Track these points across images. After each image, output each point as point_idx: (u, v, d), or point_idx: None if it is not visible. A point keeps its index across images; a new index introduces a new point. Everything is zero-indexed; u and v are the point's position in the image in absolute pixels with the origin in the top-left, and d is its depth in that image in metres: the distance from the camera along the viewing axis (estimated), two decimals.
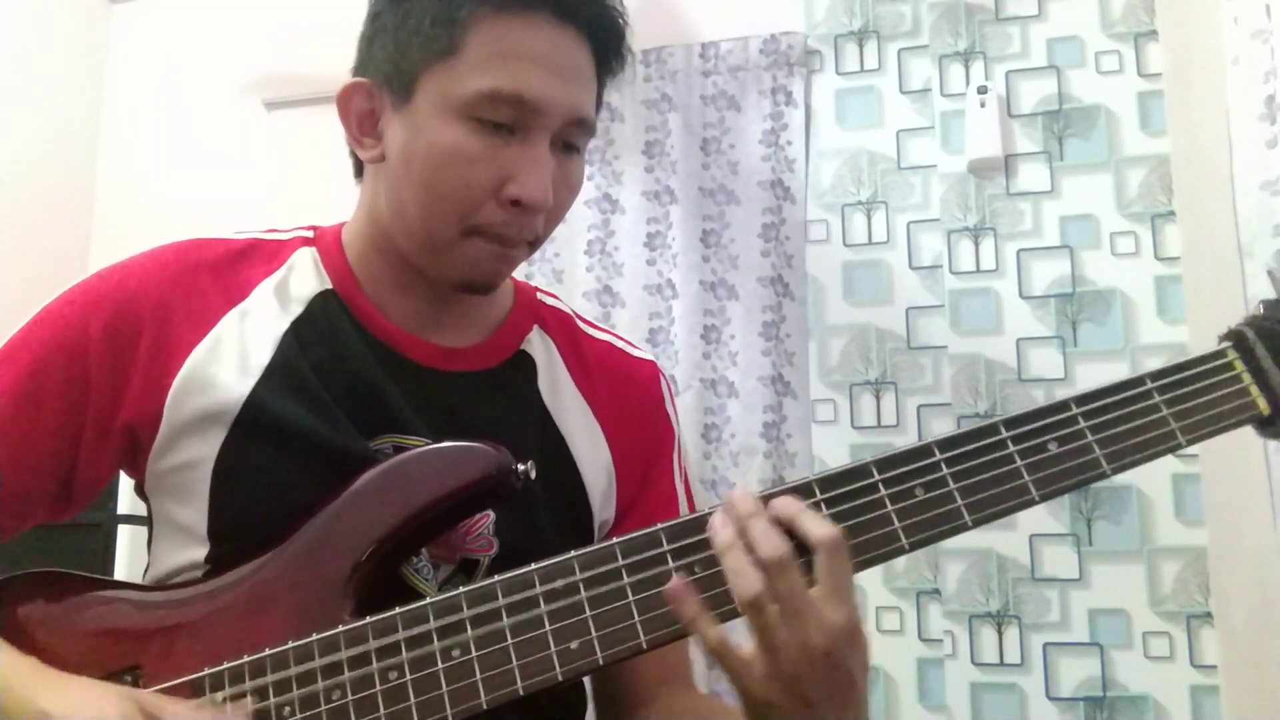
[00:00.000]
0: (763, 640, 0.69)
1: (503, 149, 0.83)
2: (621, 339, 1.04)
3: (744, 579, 0.69)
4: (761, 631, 0.69)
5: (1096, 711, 2.21)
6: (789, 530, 0.71)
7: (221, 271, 0.91)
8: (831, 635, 0.68)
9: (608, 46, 0.89)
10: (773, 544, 0.69)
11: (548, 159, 0.84)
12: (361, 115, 0.89)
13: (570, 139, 0.87)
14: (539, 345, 0.97)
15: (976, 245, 2.45)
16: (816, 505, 0.73)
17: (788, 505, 0.72)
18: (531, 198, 0.83)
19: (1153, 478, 2.26)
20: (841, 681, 0.70)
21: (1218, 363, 0.76)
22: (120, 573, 2.35)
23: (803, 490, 0.74)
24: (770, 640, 0.69)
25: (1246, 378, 0.76)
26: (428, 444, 0.85)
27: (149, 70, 3.08)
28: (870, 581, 2.36)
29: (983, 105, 2.45)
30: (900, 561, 2.36)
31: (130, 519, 2.34)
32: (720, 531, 0.72)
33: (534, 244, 0.89)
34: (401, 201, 0.87)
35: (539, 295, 1.02)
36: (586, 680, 0.96)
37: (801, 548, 0.70)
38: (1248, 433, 0.78)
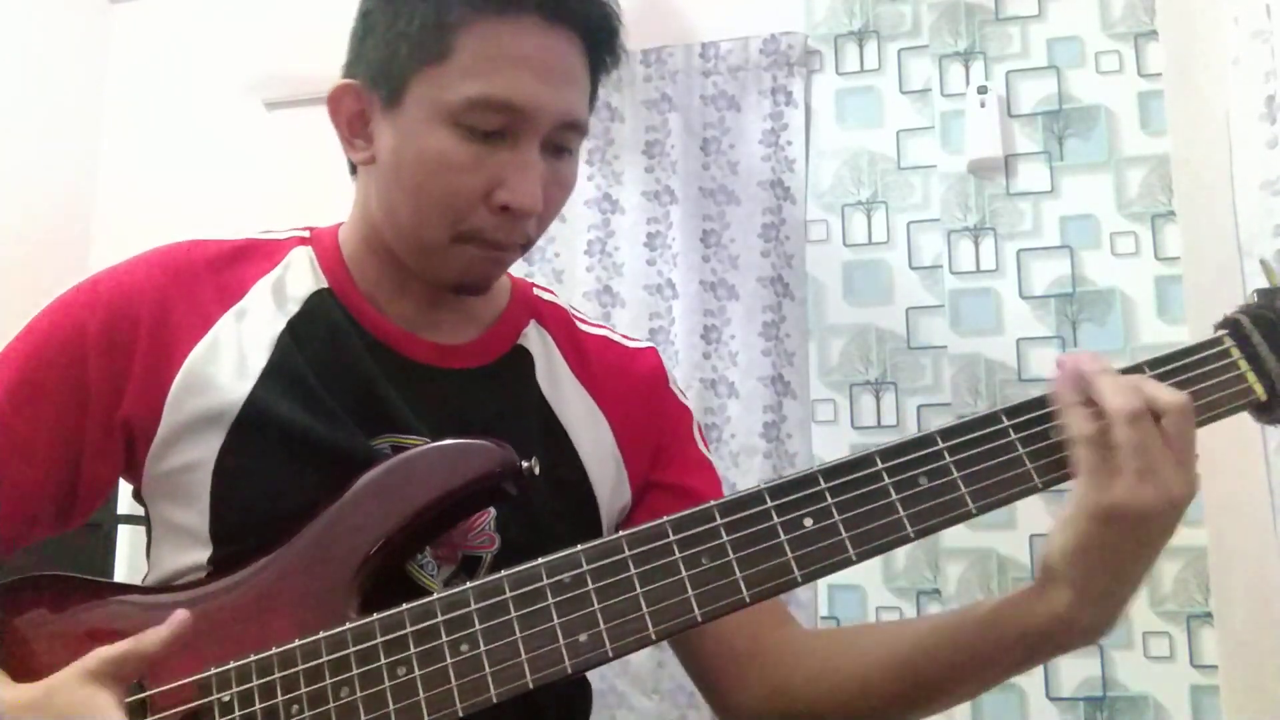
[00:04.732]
0: (1131, 462, 0.71)
1: (492, 155, 0.83)
2: (618, 333, 1.04)
3: (1123, 396, 0.72)
4: (1134, 451, 0.71)
5: (1096, 711, 2.22)
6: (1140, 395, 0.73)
7: (218, 272, 0.90)
8: (1189, 489, 0.71)
9: (600, 45, 0.88)
10: (1130, 396, 0.72)
11: (538, 164, 0.84)
12: (352, 116, 0.89)
13: (562, 141, 0.86)
14: (536, 339, 0.97)
15: (976, 245, 2.45)
16: (821, 494, 0.74)
17: (1129, 377, 0.75)
18: (521, 204, 0.83)
19: None
20: (1164, 539, 0.73)
21: (1214, 350, 0.77)
22: (120, 573, 2.36)
23: (807, 481, 0.74)
24: (1141, 462, 0.70)
25: (1243, 364, 0.77)
26: (426, 443, 0.85)
27: (149, 70, 3.08)
28: (870, 581, 2.37)
29: (983, 105, 2.46)
30: (900, 561, 2.36)
31: (130, 519, 2.35)
32: (1087, 363, 0.75)
33: (526, 245, 0.89)
34: (392, 205, 0.87)
35: (535, 291, 1.02)
36: (611, 666, 0.96)
37: None
38: (1248, 433, 0.78)
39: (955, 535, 2.32)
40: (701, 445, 1.01)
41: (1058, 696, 2.23)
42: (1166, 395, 0.72)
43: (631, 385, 0.99)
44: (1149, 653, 2.22)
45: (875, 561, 2.33)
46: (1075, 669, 2.24)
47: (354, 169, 0.94)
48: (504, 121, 0.82)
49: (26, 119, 2.87)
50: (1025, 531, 2.29)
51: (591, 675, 0.91)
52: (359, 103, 0.88)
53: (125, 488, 0.92)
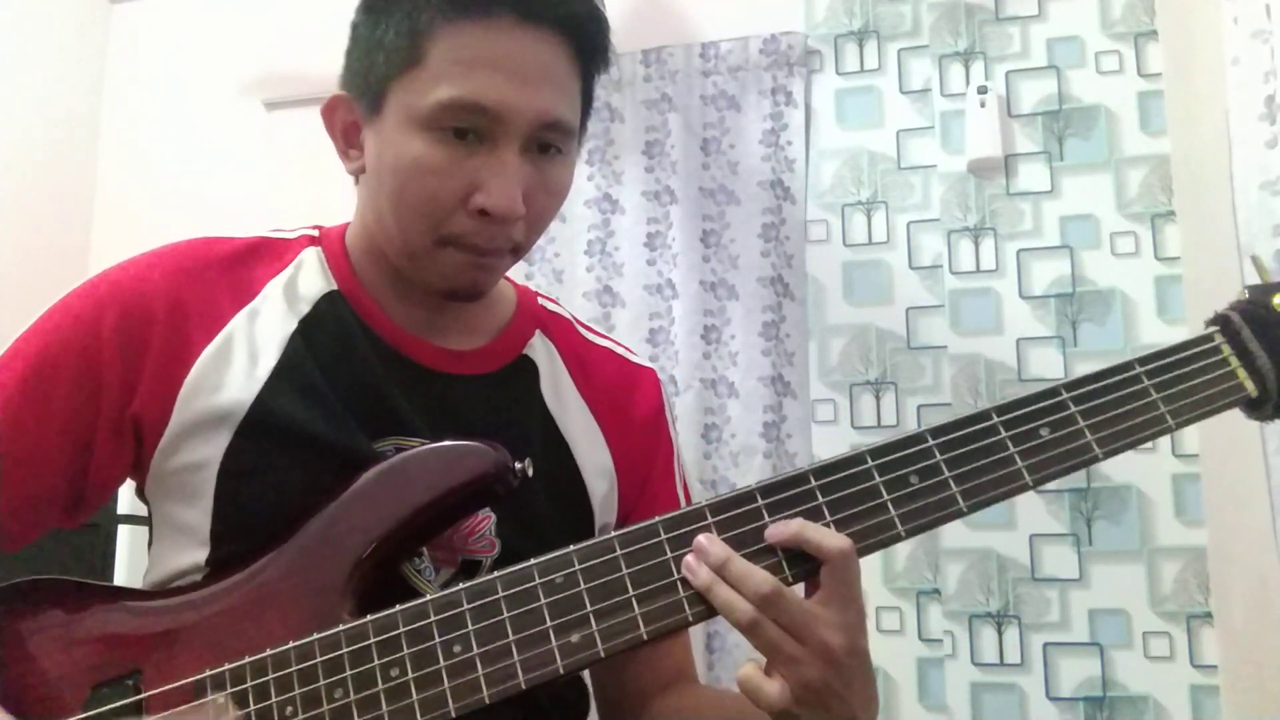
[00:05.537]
0: (775, 656, 0.71)
1: (468, 159, 0.82)
2: (621, 346, 1.05)
3: (738, 608, 0.71)
4: (770, 648, 0.71)
5: (1096, 711, 2.21)
6: (797, 548, 0.72)
7: (230, 270, 0.91)
8: (847, 632, 0.71)
9: (586, 42, 0.87)
10: (757, 580, 0.71)
11: (515, 167, 0.83)
12: (346, 127, 0.90)
13: (545, 143, 0.85)
14: (541, 350, 0.98)
15: (976, 245, 2.45)
16: (812, 493, 0.74)
17: (786, 527, 0.73)
18: (497, 207, 0.82)
19: (1153, 478, 2.26)
20: (865, 666, 0.73)
21: (1205, 347, 0.78)
22: (120, 573, 2.36)
23: (798, 480, 0.75)
24: (784, 653, 0.71)
25: (1234, 361, 0.78)
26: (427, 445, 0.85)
27: (149, 70, 3.08)
28: (870, 581, 2.36)
29: (983, 105, 2.46)
30: (900, 561, 2.36)
31: (130, 519, 2.35)
32: (698, 572, 0.73)
33: (516, 250, 0.88)
34: (380, 213, 0.88)
35: (540, 300, 1.02)
36: (589, 681, 0.97)
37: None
38: (1247, 432, 0.79)
39: (955, 535, 2.32)
40: (678, 482, 1.02)
41: (1058, 696, 2.23)
42: (830, 542, 0.72)
43: (631, 406, 1.00)
44: (1149, 653, 2.22)
45: (875, 561, 2.34)
46: (1075, 669, 2.24)
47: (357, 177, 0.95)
48: (477, 124, 0.82)
49: (27, 119, 2.88)
50: (1025, 531, 2.29)
51: None
52: (351, 114, 0.89)
53: (126, 486, 0.92)
